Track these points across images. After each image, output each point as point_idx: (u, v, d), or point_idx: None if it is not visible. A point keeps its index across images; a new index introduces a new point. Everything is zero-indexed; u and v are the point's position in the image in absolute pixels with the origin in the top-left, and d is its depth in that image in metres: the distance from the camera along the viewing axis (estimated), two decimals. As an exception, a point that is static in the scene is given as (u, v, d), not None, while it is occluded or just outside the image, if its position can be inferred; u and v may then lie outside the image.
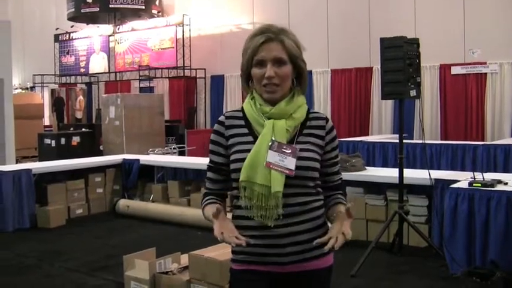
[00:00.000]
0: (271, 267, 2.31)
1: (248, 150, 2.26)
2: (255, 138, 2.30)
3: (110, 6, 18.73)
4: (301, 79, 2.37)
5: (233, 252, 2.40)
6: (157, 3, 18.75)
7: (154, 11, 18.73)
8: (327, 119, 2.42)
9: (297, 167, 2.24)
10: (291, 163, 2.23)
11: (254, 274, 2.33)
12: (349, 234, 2.17)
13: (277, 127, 2.27)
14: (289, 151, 2.24)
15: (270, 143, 2.24)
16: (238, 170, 2.27)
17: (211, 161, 2.46)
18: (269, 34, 2.29)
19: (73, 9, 19.63)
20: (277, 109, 2.29)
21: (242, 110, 2.40)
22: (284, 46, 2.29)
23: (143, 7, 18.62)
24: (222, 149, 2.40)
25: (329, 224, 2.41)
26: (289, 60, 2.30)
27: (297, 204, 2.28)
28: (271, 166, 2.21)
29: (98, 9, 18.97)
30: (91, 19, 20.09)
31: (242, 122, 2.37)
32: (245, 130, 2.35)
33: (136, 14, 18.83)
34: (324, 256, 2.35)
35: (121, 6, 18.71)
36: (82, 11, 19.38)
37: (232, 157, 2.34)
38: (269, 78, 2.26)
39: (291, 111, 2.31)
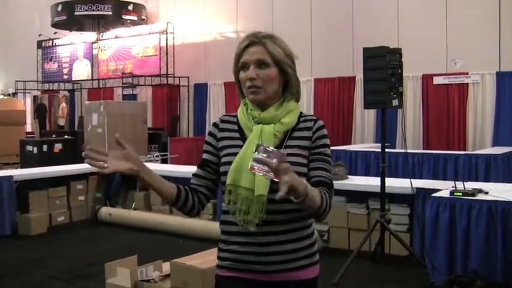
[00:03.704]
0: (256, 275, 2.29)
1: (236, 154, 2.28)
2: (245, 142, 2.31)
3: (75, 14, 18.80)
4: (288, 84, 2.38)
5: (219, 258, 2.40)
6: (130, 8, 18.65)
7: (128, 17, 18.60)
8: (315, 120, 2.40)
9: None
10: None
11: (239, 282, 2.33)
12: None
13: (264, 132, 2.28)
14: (275, 156, 2.19)
15: (255, 147, 2.23)
16: (226, 173, 2.28)
17: (201, 160, 2.46)
18: (252, 38, 2.33)
19: (50, 18, 19.77)
20: (266, 114, 2.31)
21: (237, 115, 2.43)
22: (267, 49, 2.31)
23: (110, 13, 18.59)
24: (213, 148, 2.42)
25: (316, 235, 2.40)
26: (273, 64, 2.31)
27: (281, 212, 2.25)
28: (255, 170, 2.18)
29: (65, 17, 19.07)
30: (74, 26, 20.01)
31: (235, 127, 2.40)
32: (237, 134, 2.38)
33: (118, 21, 18.78)
34: (309, 267, 2.35)
35: (86, 13, 18.74)
36: (55, 19, 19.48)
37: (222, 160, 2.36)
38: (251, 80, 2.29)
39: (280, 116, 2.32)
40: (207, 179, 2.43)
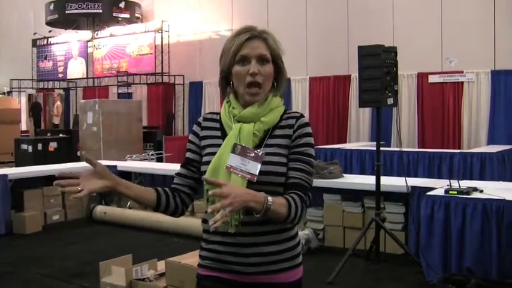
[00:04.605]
0: (236, 275, 2.26)
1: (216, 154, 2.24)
2: None
3: (66, 12, 18.85)
4: (279, 79, 2.33)
5: (200, 256, 2.38)
6: (121, 6, 18.61)
7: (120, 15, 18.56)
8: (298, 118, 2.31)
9: (262, 172, 2.16)
10: (254, 168, 2.15)
11: (218, 281, 2.29)
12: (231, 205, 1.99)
13: (243, 131, 2.22)
14: (253, 155, 2.16)
15: (232, 147, 2.19)
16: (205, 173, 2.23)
17: (184, 158, 2.43)
18: (253, 32, 2.27)
19: (44, 17, 19.82)
20: (246, 112, 2.26)
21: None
22: (267, 45, 2.27)
23: (100, 11, 18.59)
24: (196, 147, 2.38)
25: (302, 235, 2.38)
26: (271, 60, 2.27)
27: None
28: (231, 170, 2.15)
29: (57, 16, 19.12)
30: (69, 24, 19.98)
31: (217, 125, 2.36)
32: (218, 133, 2.33)
33: (113, 19, 18.75)
34: (293, 269, 2.30)
35: (76, 11, 18.76)
36: (48, 18, 19.51)
37: (203, 159, 2.32)
38: (253, 75, 2.22)
39: (261, 114, 2.26)
40: (189, 178, 2.40)
